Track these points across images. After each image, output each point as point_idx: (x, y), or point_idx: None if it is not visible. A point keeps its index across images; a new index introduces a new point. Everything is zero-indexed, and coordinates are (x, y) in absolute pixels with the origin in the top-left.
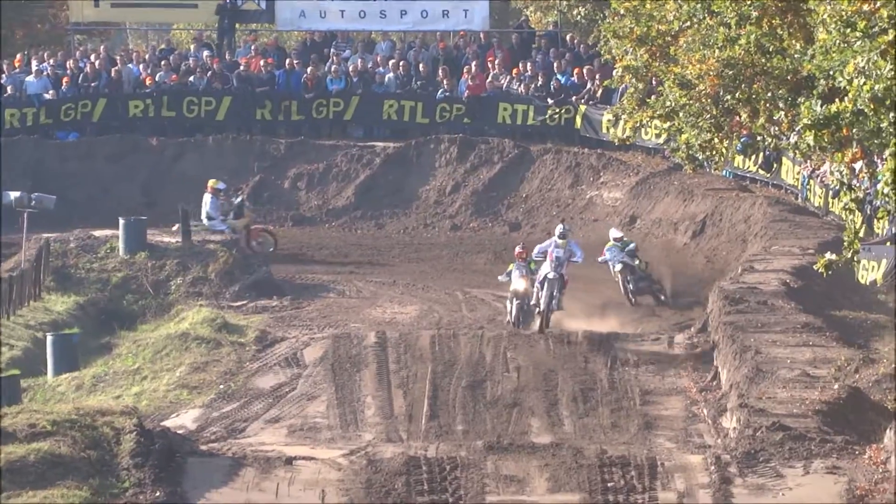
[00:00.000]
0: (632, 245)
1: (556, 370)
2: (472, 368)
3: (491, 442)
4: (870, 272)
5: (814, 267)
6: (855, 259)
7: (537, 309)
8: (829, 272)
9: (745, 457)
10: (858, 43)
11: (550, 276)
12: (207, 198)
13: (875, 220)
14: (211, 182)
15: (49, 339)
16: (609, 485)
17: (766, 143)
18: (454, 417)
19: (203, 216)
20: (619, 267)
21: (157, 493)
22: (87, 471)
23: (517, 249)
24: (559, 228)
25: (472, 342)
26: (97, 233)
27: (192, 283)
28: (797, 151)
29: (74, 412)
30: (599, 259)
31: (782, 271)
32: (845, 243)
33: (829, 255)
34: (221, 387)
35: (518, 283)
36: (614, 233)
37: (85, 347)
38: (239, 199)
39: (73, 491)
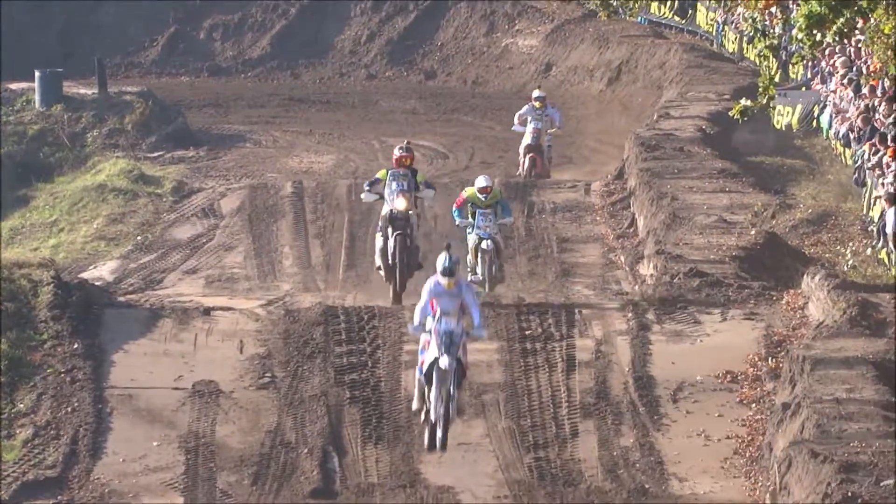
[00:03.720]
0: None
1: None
2: None
3: (407, 290)
4: (785, 117)
5: (729, 113)
6: (770, 105)
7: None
8: (745, 118)
9: (662, 303)
10: None
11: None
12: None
13: (790, 66)
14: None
15: None
16: (527, 332)
17: None
18: (371, 267)
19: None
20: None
21: (76, 345)
22: (5, 323)
23: (396, 153)
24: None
25: None
26: (13, 85)
27: (108, 134)
28: None
29: None
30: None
31: (698, 117)
32: (760, 89)
33: (744, 101)
34: (139, 238)
35: (398, 202)
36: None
37: (2, 200)
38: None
39: None
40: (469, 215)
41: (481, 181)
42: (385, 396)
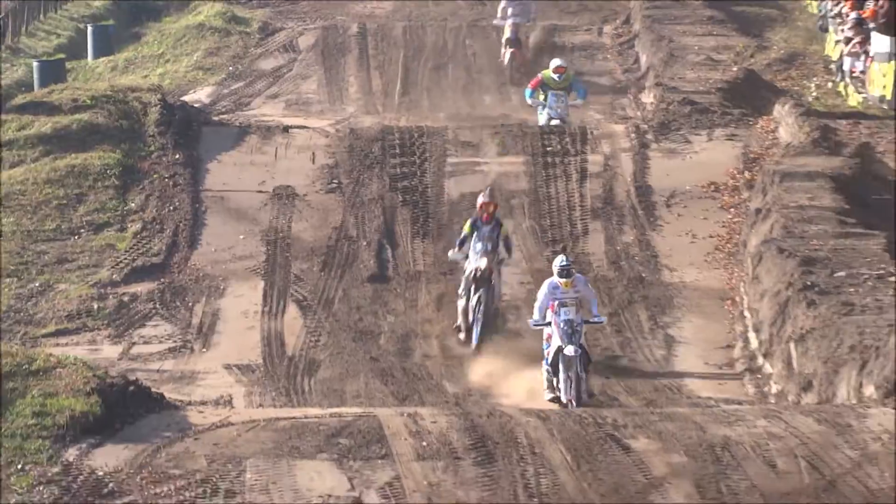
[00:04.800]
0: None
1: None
2: (436, 53)
3: (452, 113)
4: None
5: None
6: None
7: None
8: None
9: (659, 126)
10: None
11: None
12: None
13: None
14: None
15: (89, 28)
16: (548, 149)
17: None
18: (422, 94)
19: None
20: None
21: (177, 155)
22: (120, 137)
23: (480, 199)
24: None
25: (436, 32)
26: None
27: None
28: None
29: (109, 89)
30: None
31: None
32: None
33: None
34: (230, 68)
35: (482, 262)
36: None
37: (118, 36)
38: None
39: (109, 153)
40: (542, 97)
41: (556, 61)
42: (431, 200)
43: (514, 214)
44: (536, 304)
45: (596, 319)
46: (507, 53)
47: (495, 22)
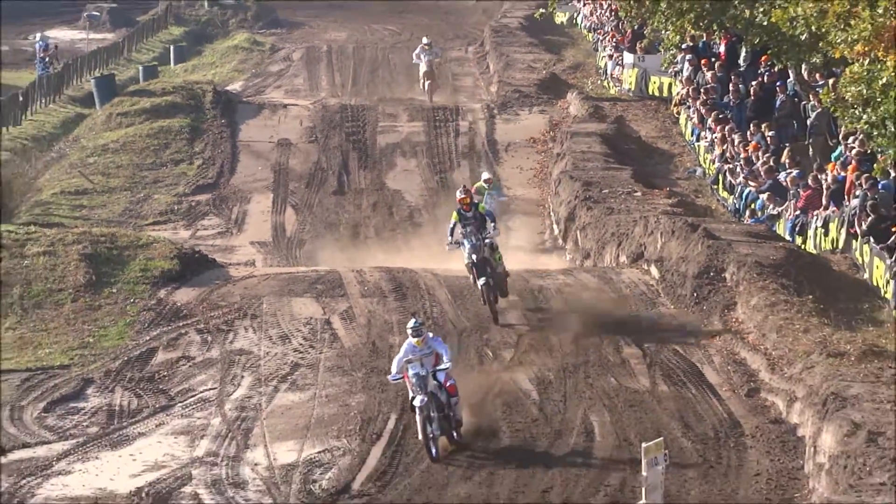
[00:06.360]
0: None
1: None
2: (372, 63)
3: (381, 97)
4: (563, 17)
5: (535, 15)
6: (553, 10)
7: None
8: (542, 17)
9: (501, 105)
10: None
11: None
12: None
13: None
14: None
15: (171, 47)
16: (437, 118)
17: None
18: (364, 86)
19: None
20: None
21: (223, 120)
22: (190, 110)
23: (458, 195)
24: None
25: (372, 50)
26: None
27: (239, 21)
28: None
29: (184, 82)
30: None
31: (520, 17)
32: (550, 3)
33: (541, 10)
34: (253, 71)
35: (473, 255)
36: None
37: (189, 52)
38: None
39: (183, 119)
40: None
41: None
42: (369, 147)
43: (418, 155)
44: (395, 359)
45: (442, 366)
46: (426, 82)
47: (414, 61)
